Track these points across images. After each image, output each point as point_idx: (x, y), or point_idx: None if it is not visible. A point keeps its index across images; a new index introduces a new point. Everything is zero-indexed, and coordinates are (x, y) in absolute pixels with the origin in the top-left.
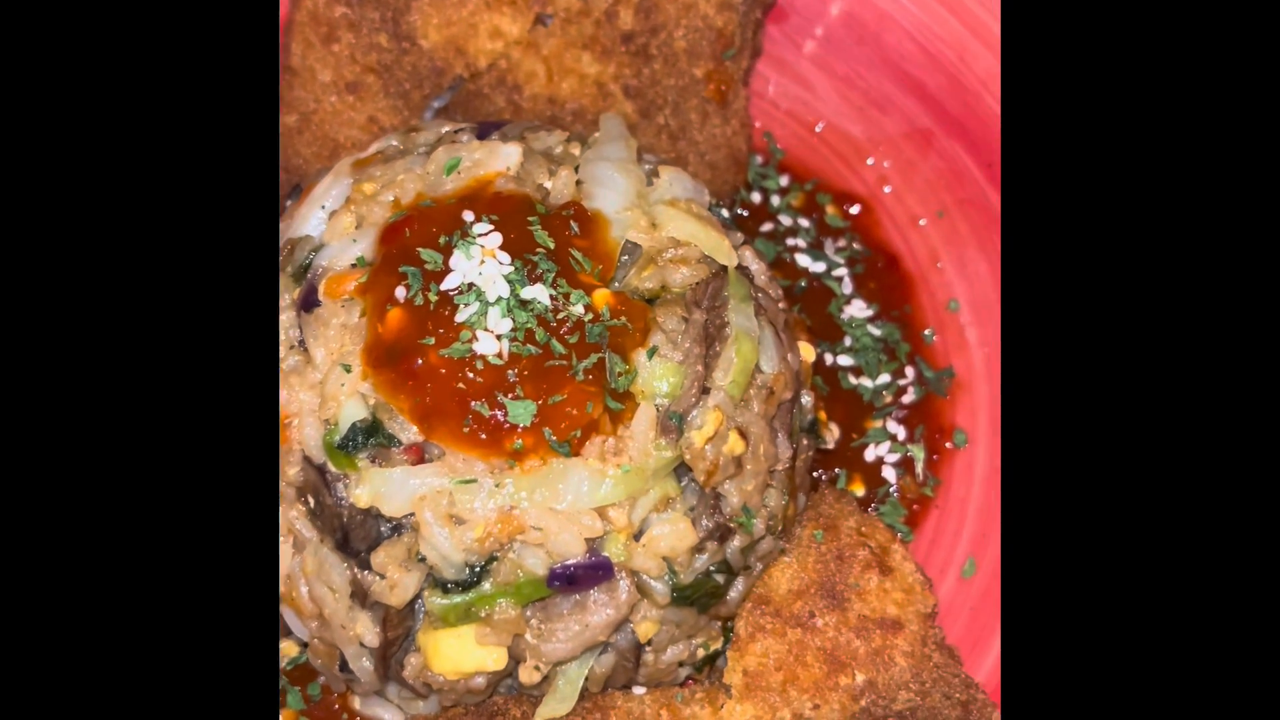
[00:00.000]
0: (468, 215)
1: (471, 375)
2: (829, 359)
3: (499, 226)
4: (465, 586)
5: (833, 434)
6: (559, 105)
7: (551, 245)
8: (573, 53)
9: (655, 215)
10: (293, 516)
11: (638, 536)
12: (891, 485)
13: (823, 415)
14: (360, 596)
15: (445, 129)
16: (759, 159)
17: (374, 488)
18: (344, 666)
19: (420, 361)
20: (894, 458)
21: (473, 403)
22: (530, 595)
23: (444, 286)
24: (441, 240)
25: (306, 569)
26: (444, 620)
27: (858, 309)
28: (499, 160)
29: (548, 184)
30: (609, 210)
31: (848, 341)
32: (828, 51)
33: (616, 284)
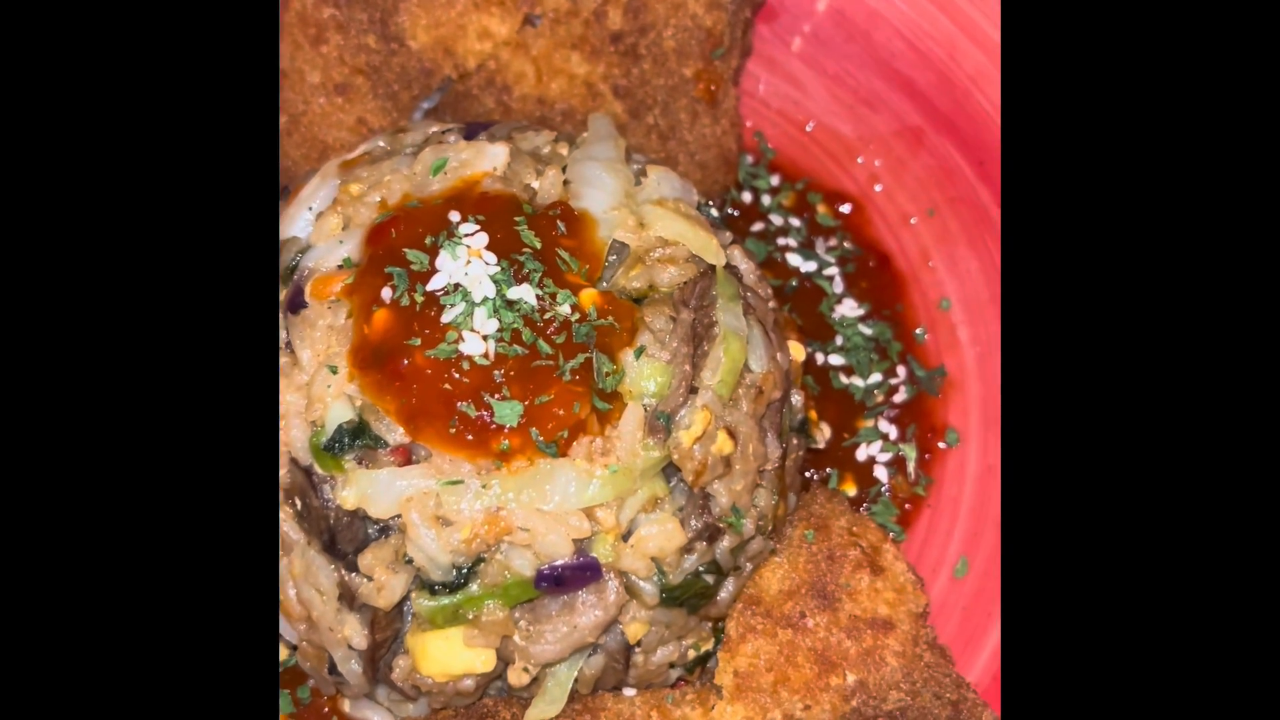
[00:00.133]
0: (454, 215)
1: (458, 376)
2: (820, 358)
3: (485, 227)
4: (452, 588)
5: (823, 434)
6: (548, 106)
7: (538, 245)
8: (562, 53)
9: (643, 215)
10: (280, 518)
11: (626, 537)
12: (883, 485)
13: (813, 415)
14: (348, 599)
15: (433, 129)
16: (749, 158)
17: (361, 489)
18: (333, 669)
19: (406, 362)
20: (886, 457)
21: (459, 404)
22: (518, 597)
23: (430, 287)
24: (428, 241)
25: (294, 571)
26: (432, 622)
27: (849, 308)
28: (486, 160)
29: (535, 184)
30: (596, 210)
31: (839, 341)
32: (818, 50)
33: (604, 284)
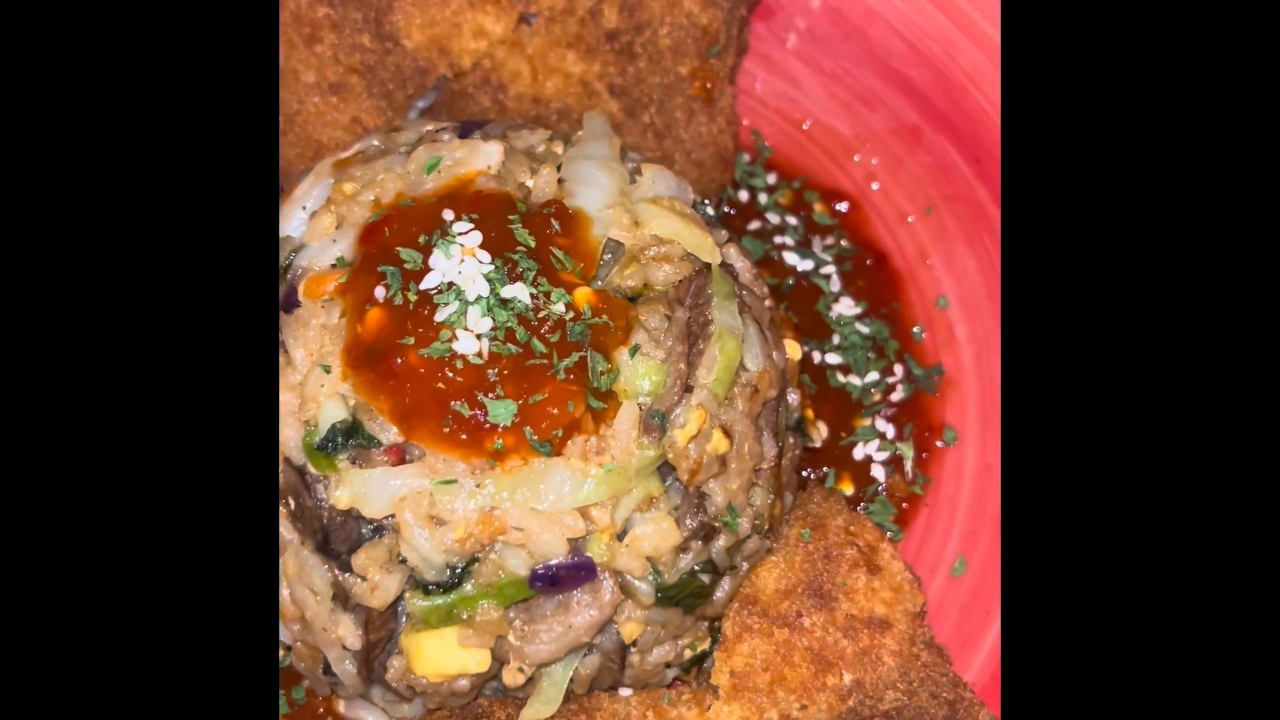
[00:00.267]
0: (448, 214)
1: (451, 375)
2: (817, 357)
3: (479, 225)
4: (446, 588)
5: (820, 433)
6: (544, 104)
7: (532, 244)
8: (557, 52)
9: (638, 213)
10: None
11: (621, 536)
12: (880, 484)
13: (810, 413)
14: (342, 599)
15: (427, 128)
16: (746, 157)
17: (354, 489)
18: (327, 669)
19: (400, 361)
20: (883, 456)
21: (453, 403)
22: (512, 596)
23: (423, 286)
24: (421, 240)
25: (288, 571)
26: (426, 622)
27: (846, 307)
28: (480, 159)
29: (529, 182)
30: (591, 208)
31: (836, 339)
32: (814, 48)
33: (599, 282)
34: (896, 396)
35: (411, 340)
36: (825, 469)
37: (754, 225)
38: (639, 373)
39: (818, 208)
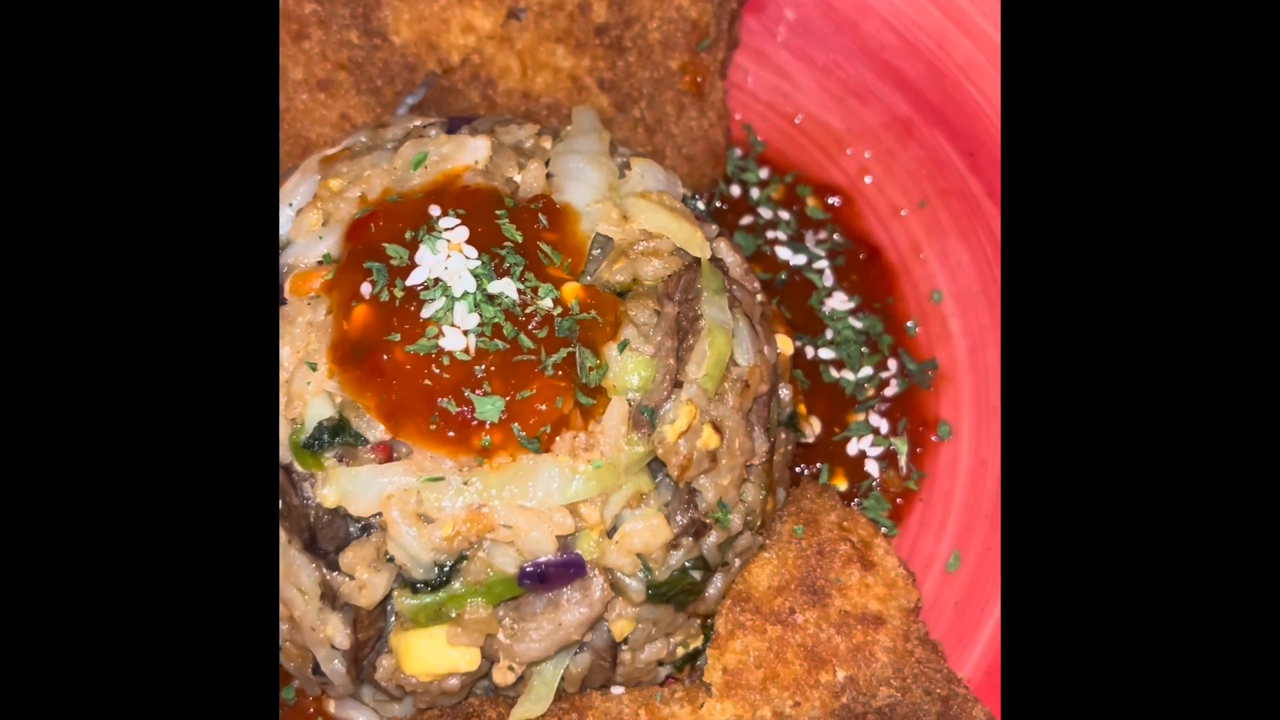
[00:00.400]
0: (434, 210)
1: (438, 372)
2: (810, 352)
3: (465, 220)
4: (435, 586)
5: (813, 428)
6: (534, 100)
7: (519, 239)
8: (546, 46)
9: (626, 208)
10: None
11: (610, 533)
12: (874, 479)
13: (802, 409)
14: (330, 598)
15: (414, 124)
16: (738, 152)
17: (341, 487)
18: (317, 669)
19: (386, 358)
20: (876, 451)
21: (440, 399)
22: (502, 594)
23: (410, 282)
24: (408, 235)
25: None
26: (414, 621)
27: (839, 301)
28: (467, 154)
29: (517, 177)
30: (579, 203)
31: (829, 335)
32: (806, 41)
33: (587, 277)
34: (890, 391)
35: (398, 337)
36: (819, 465)
37: (746, 220)
38: (628, 368)
39: (810, 202)
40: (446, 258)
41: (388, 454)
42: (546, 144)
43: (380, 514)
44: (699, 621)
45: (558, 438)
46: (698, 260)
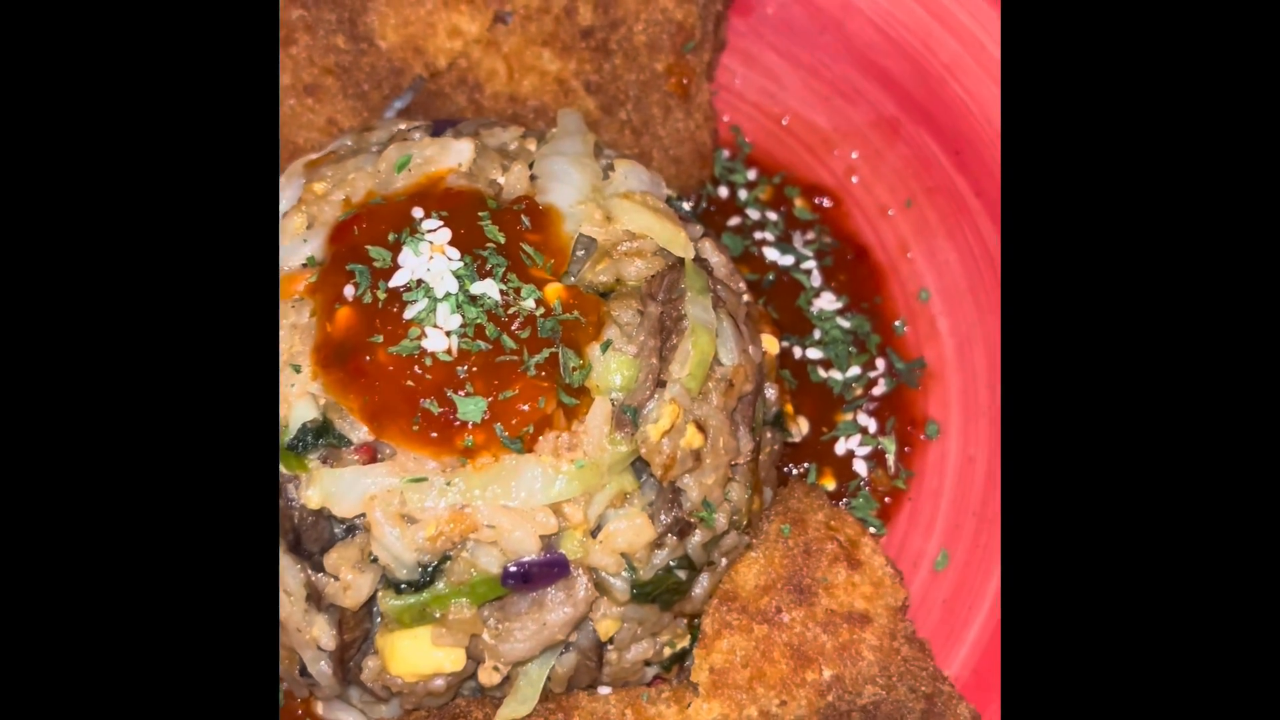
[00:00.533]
0: (417, 212)
1: (420, 372)
2: (798, 352)
3: (448, 222)
4: (419, 587)
5: (800, 428)
6: (520, 103)
7: (502, 240)
8: (533, 50)
9: (610, 208)
10: None
11: (594, 533)
12: (863, 479)
13: (789, 408)
14: (315, 599)
15: (399, 127)
16: (726, 153)
17: (325, 488)
18: (304, 671)
19: (369, 359)
20: (865, 451)
21: (422, 400)
22: (486, 594)
23: (392, 284)
24: (391, 238)
25: None
26: (399, 621)
27: (827, 301)
28: (450, 157)
29: (501, 180)
30: (563, 204)
31: (817, 334)
32: (792, 42)
33: (570, 278)
34: (878, 391)
35: (380, 338)
36: (806, 464)
37: (734, 221)
38: (611, 368)
39: (798, 203)
40: (429, 259)
41: (371, 455)
42: (531, 146)
43: (364, 515)
44: (685, 621)
45: (540, 438)
46: (681, 260)
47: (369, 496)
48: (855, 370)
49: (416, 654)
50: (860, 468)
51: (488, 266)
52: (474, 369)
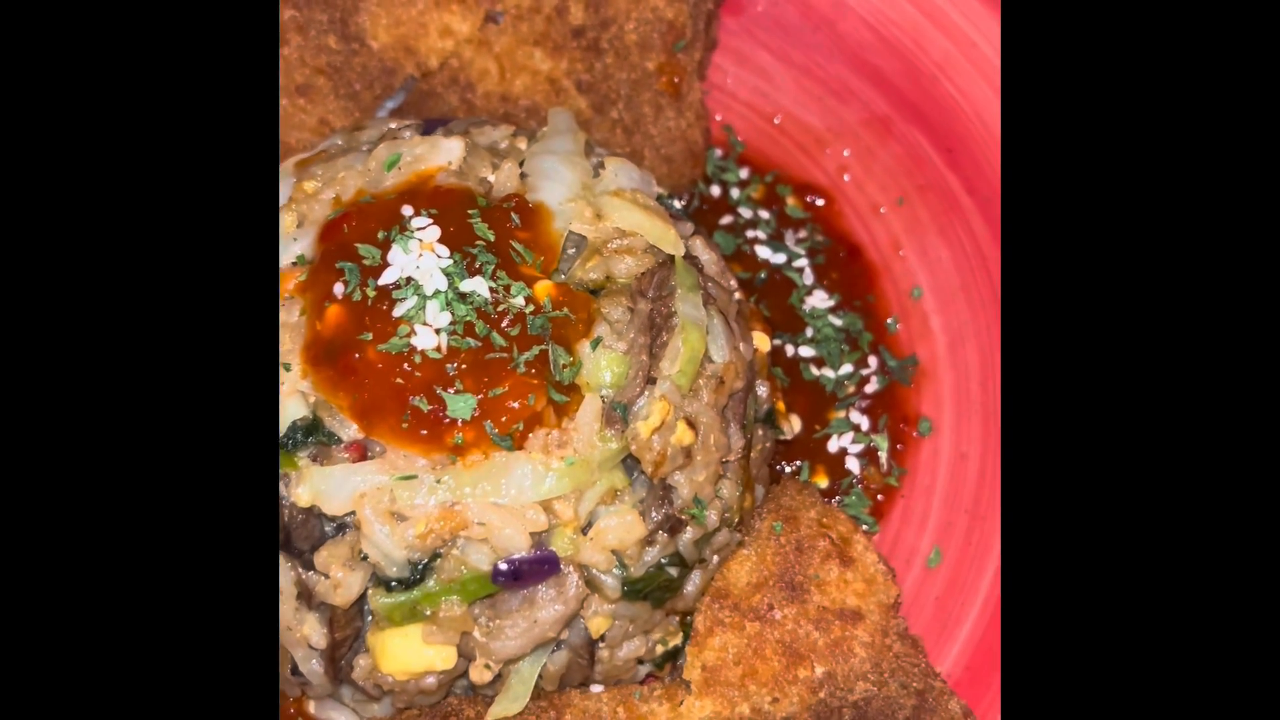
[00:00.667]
0: (407, 210)
1: (410, 370)
2: (790, 350)
3: (438, 220)
4: (409, 584)
5: (792, 425)
6: (512, 102)
7: (491, 238)
8: (524, 49)
9: (600, 206)
10: None
11: (585, 530)
12: (855, 476)
13: (781, 406)
14: (306, 597)
15: (390, 126)
16: (718, 152)
17: (314, 486)
18: (295, 670)
19: (358, 357)
20: (857, 448)
21: (411, 398)
22: (476, 592)
23: (382, 282)
24: (380, 235)
25: None
26: (389, 619)
27: (819, 300)
28: (440, 155)
29: (491, 178)
30: (553, 202)
31: (809, 333)
32: (784, 40)
33: (560, 275)
34: (871, 388)
35: (370, 336)
36: (799, 462)
37: (726, 220)
38: (601, 365)
39: (790, 201)
40: (418, 257)
41: (361, 453)
42: (522, 145)
43: (354, 513)
44: (678, 619)
45: (530, 435)
46: (672, 258)
47: (359, 494)
48: (848, 368)
49: (407, 652)
50: (853, 465)
51: (477, 264)
52: (463, 366)
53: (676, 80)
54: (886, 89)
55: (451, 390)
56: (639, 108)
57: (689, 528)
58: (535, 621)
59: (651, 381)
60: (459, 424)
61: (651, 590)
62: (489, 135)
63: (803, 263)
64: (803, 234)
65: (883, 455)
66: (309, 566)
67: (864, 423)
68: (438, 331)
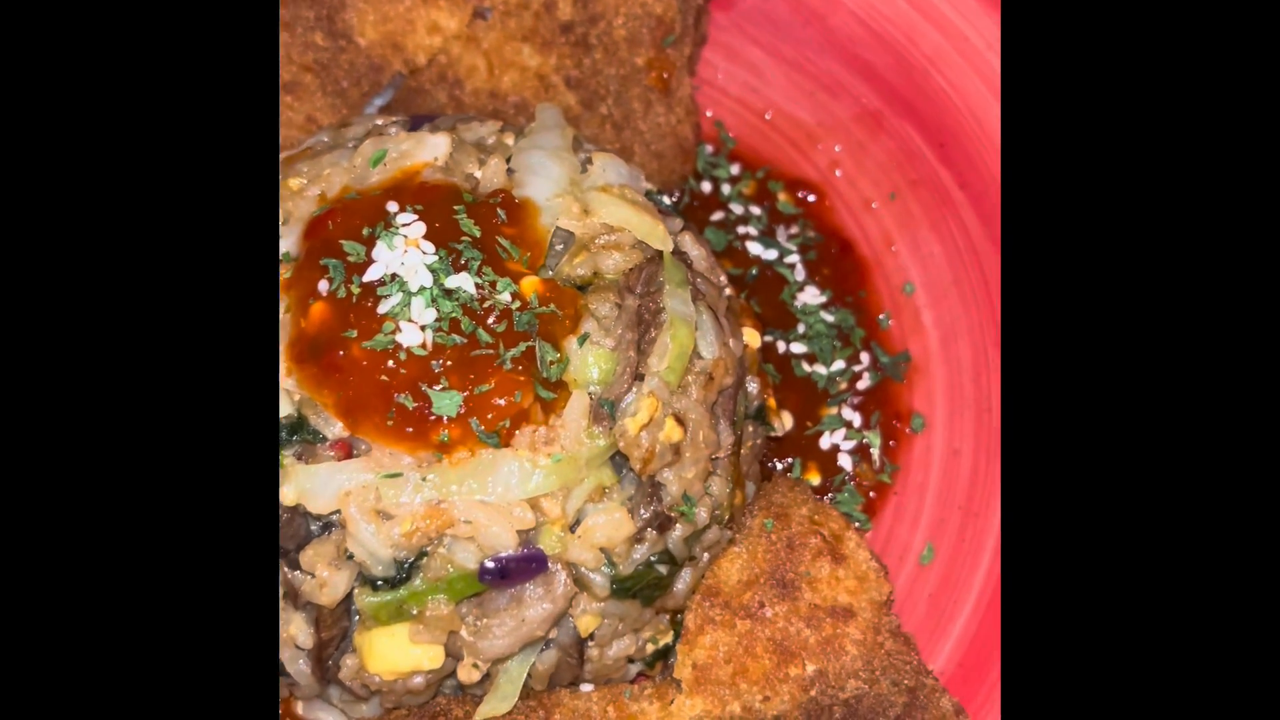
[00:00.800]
0: (392, 206)
1: (395, 367)
2: (781, 347)
3: (423, 216)
4: (395, 583)
5: (783, 421)
6: (501, 99)
7: (477, 233)
8: (513, 45)
9: (588, 201)
10: None
11: (573, 528)
12: (848, 473)
13: (772, 402)
14: (292, 597)
15: (377, 122)
16: (709, 148)
17: (299, 485)
18: (282, 670)
19: (342, 354)
20: (849, 445)
21: (397, 395)
22: (463, 591)
23: (366, 278)
24: (365, 232)
25: None
26: (376, 618)
27: (811, 295)
28: (426, 151)
29: (478, 174)
30: (540, 198)
31: (801, 329)
32: (774, 36)
33: (547, 271)
34: (863, 384)
35: (354, 333)
36: (791, 459)
37: (717, 216)
38: (588, 361)
39: (782, 197)
40: (404, 253)
41: (347, 451)
42: (509, 140)
43: (339, 511)
44: (668, 617)
45: (517, 432)
46: (660, 253)
47: (344, 492)
48: (839, 364)
49: (394, 651)
50: (845, 462)
51: (463, 260)
52: (449, 363)
53: (666, 76)
54: (878, 83)
55: (437, 387)
56: (628, 104)
57: (678, 525)
58: (523, 620)
59: (640, 378)
60: (445, 421)
61: (641, 588)
62: (476, 131)
63: (794, 258)
64: (794, 230)
65: (875, 452)
66: (294, 566)
67: (856, 419)
68: (423, 328)
